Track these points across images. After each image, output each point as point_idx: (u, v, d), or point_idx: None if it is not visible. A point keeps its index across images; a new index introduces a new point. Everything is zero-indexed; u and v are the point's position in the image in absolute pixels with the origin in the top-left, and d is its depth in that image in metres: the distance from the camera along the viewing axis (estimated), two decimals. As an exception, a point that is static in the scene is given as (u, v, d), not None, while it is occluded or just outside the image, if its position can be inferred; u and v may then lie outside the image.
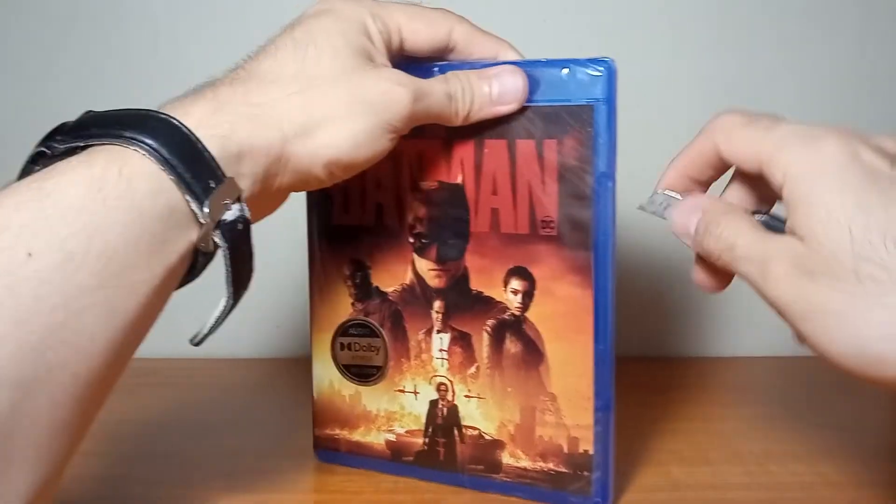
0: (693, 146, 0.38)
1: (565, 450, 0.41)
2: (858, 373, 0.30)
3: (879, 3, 0.70)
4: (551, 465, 0.42)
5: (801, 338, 0.32)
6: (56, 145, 0.33)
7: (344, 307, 0.47)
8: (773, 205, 0.38)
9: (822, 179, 0.31)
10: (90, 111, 0.35)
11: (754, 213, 0.37)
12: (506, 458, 0.43)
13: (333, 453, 0.48)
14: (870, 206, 0.30)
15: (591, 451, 0.41)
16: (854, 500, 0.43)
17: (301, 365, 0.68)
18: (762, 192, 0.37)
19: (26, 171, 0.33)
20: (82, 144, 0.32)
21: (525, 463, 0.43)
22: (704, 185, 0.39)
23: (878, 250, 0.29)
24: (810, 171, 0.32)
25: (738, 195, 0.38)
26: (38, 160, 0.33)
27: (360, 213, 0.45)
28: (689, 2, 0.70)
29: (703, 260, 0.38)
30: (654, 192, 0.39)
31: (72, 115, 0.34)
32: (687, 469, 0.47)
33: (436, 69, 0.41)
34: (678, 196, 0.39)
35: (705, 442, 0.51)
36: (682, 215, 0.38)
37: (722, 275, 0.38)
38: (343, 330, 0.47)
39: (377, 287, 0.45)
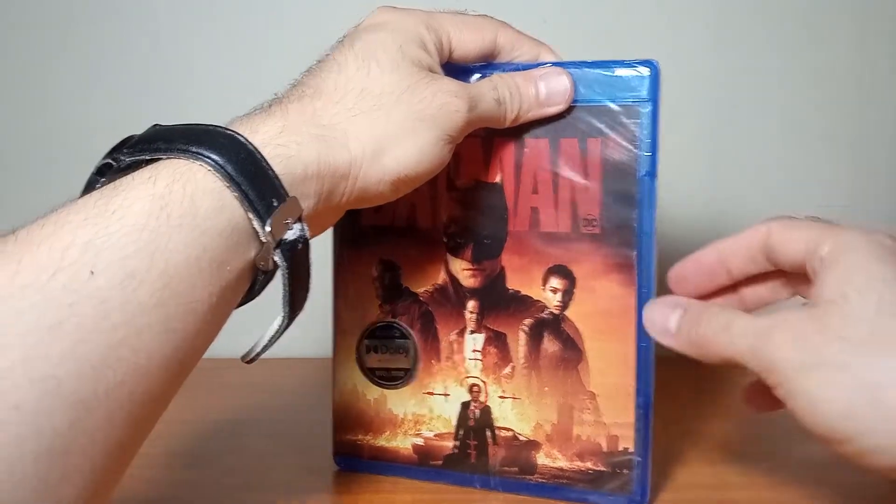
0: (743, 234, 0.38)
1: (604, 448, 0.41)
2: (838, 433, 0.31)
3: (878, 3, 0.73)
4: (589, 465, 0.42)
5: (782, 398, 0.33)
6: (122, 157, 0.33)
7: (371, 309, 0.46)
8: None
9: (858, 253, 0.33)
10: (157, 124, 0.34)
11: None
12: (541, 459, 0.43)
13: (354, 460, 0.47)
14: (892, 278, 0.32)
15: (632, 449, 0.41)
16: (854, 499, 0.44)
17: (303, 365, 0.67)
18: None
19: (91, 183, 0.33)
20: (148, 158, 0.32)
21: (562, 463, 0.42)
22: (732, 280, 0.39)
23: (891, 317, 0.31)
24: (850, 247, 0.34)
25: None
26: (105, 172, 0.33)
27: (391, 214, 0.45)
28: (689, 2, 0.72)
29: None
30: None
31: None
32: (687, 469, 0.48)
33: (476, 72, 0.42)
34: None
35: (705, 442, 0.52)
36: (658, 312, 0.38)
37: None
38: (370, 332, 0.46)
39: (407, 288, 0.45)
